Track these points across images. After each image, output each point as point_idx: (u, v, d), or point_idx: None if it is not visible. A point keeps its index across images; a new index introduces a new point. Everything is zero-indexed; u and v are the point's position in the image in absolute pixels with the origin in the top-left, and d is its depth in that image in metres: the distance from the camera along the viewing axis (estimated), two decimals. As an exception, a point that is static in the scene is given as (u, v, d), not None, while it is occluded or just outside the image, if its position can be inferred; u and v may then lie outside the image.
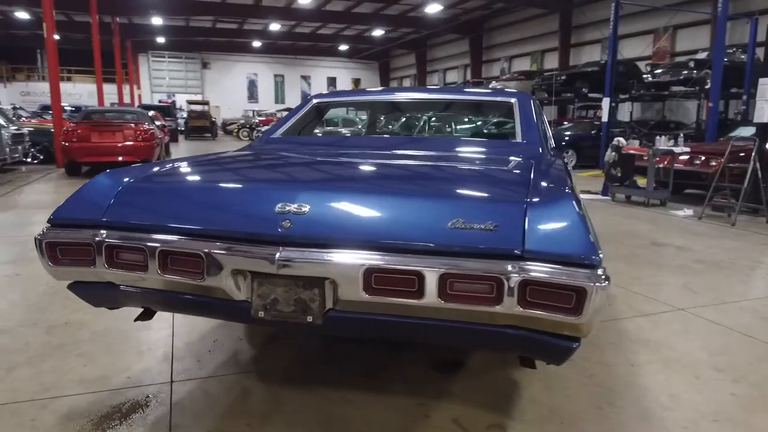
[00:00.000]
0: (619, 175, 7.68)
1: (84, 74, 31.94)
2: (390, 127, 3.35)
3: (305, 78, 36.57)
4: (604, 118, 11.73)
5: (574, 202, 1.66)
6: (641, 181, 7.65)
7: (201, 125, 24.72)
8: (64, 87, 32.06)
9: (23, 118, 15.82)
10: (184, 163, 2.32)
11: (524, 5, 21.83)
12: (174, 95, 34.18)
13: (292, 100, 35.66)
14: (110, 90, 30.22)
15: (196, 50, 33.63)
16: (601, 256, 1.56)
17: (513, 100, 3.05)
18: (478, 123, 3.60)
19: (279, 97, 36.23)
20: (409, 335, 1.75)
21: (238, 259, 1.72)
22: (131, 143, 9.74)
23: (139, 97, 32.74)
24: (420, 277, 1.59)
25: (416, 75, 32.83)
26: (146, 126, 10.19)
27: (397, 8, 24.83)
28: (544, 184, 1.87)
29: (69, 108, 20.55)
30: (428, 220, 1.67)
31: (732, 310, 3.38)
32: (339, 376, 2.42)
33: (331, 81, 37.17)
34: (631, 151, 7.52)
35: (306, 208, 1.73)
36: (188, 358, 2.58)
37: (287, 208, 1.74)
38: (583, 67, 16.48)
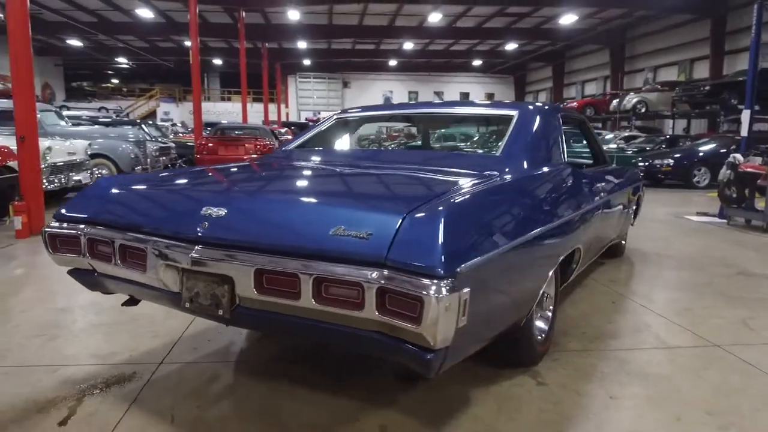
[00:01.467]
0: (734, 195, 6.83)
1: (240, 94, 35.51)
2: (383, 139, 3.47)
3: (438, 94, 37.07)
4: (743, 132, 10.42)
5: (442, 216, 1.65)
6: (761, 204, 6.74)
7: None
8: (224, 106, 35.99)
9: (180, 134, 18.16)
10: (166, 173, 2.66)
11: (670, 12, 20.10)
12: (319, 113, 36.69)
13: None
14: (261, 109, 33.31)
15: (338, 71, 35.79)
16: (460, 269, 1.56)
17: (514, 113, 2.98)
18: (469, 136, 3.52)
19: (413, 113, 37.15)
20: (295, 334, 1.87)
21: (167, 253, 1.98)
22: (253, 156, 10.79)
23: (287, 115, 35.65)
24: (298, 279, 1.71)
25: (552, 88, 31.68)
26: (266, 141, 11.23)
27: (530, 21, 24.29)
28: (442, 196, 1.88)
29: (225, 123, 23.39)
30: (313, 226, 1.79)
31: (782, 353, 2.93)
32: (306, 374, 2.58)
33: (464, 96, 37.24)
34: (750, 170, 6.65)
35: (222, 213, 1.94)
36: (188, 344, 2.91)
37: (208, 212, 1.96)
38: (734, 77, 14.76)
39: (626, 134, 16.68)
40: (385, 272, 1.58)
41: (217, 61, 33.46)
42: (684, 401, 2.38)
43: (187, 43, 28.06)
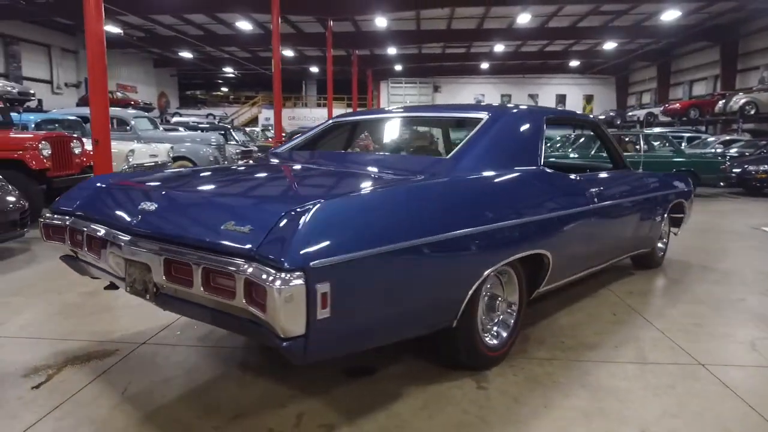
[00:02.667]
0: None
1: (337, 100, 36.77)
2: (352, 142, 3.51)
3: (533, 96, 36.01)
4: None
5: (306, 214, 1.75)
6: None
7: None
8: (321, 112, 37.46)
9: (269, 138, 19.26)
10: (148, 174, 2.95)
11: (790, 1, 18.14)
12: None
13: (518, 119, 35.45)
14: (355, 113, 34.19)
15: (429, 75, 35.93)
16: (314, 264, 1.66)
17: (483, 116, 2.97)
18: (429, 138, 3.42)
19: (505, 117, 36.43)
20: (199, 318, 2.04)
21: (112, 242, 2.25)
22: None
23: (378, 119, 36.31)
24: (191, 268, 1.89)
25: (656, 89, 29.66)
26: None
27: (628, 18, 22.97)
28: (333, 197, 1.97)
29: (303, 128, 24.44)
30: (211, 221, 1.96)
31: (774, 377, 2.66)
32: (264, 363, 2.76)
33: (560, 99, 35.88)
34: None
35: (152, 207, 2.17)
36: (176, 329, 3.20)
37: (143, 207, 2.21)
38: None
39: (727, 138, 15.28)
40: (252, 264, 1.71)
41: (314, 69, 34.89)
42: (621, 418, 2.27)
43: (285, 53, 29.61)
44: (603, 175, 3.67)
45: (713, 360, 2.84)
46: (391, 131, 3.46)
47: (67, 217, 2.60)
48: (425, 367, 2.70)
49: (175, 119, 26.96)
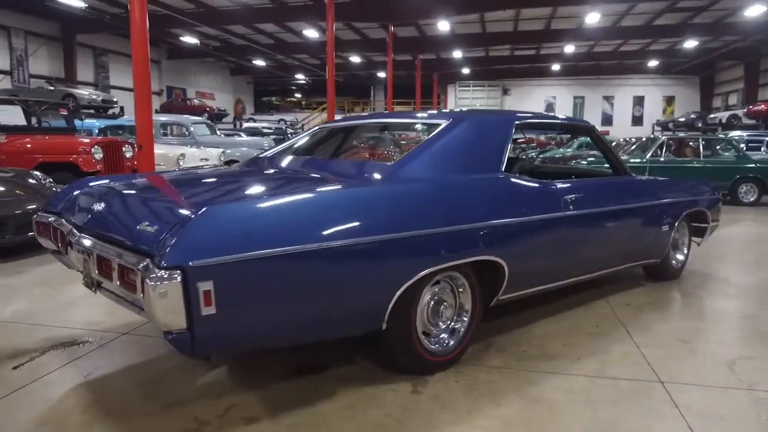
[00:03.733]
0: None
1: (404, 104, 37.02)
2: (321, 148, 3.54)
3: (608, 98, 34.54)
4: None
5: (194, 216, 1.88)
6: None
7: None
8: (388, 116, 37.86)
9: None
10: (126, 177, 3.20)
11: None
12: None
13: (591, 121, 33.84)
14: (422, 117, 34.27)
15: (498, 78, 35.36)
16: (193, 263, 1.78)
17: (442, 122, 2.98)
18: (391, 144, 3.40)
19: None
20: (129, 309, 2.20)
21: (70, 238, 2.49)
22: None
23: (446, 123, 36.20)
24: (110, 264, 2.07)
25: (743, 89, 27.59)
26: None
27: (709, 15, 21.55)
28: (237, 201, 2.08)
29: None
30: (132, 221, 2.13)
31: (734, 399, 2.49)
32: (226, 358, 2.92)
33: (638, 100, 34.17)
34: None
35: (99, 207, 2.40)
36: (160, 322, 3.44)
37: (93, 207, 2.43)
38: None
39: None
40: (144, 261, 1.86)
41: (382, 74, 35.30)
42: (543, 429, 2.22)
43: (353, 59, 30.22)
44: (588, 182, 3.56)
45: (676, 378, 2.70)
46: (360, 137, 3.53)
47: (51, 216, 2.89)
48: (372, 369, 2.76)
49: (246, 124, 28.23)
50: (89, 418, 2.27)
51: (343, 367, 2.79)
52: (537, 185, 3.15)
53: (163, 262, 1.76)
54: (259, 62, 30.50)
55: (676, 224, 4.21)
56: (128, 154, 7.65)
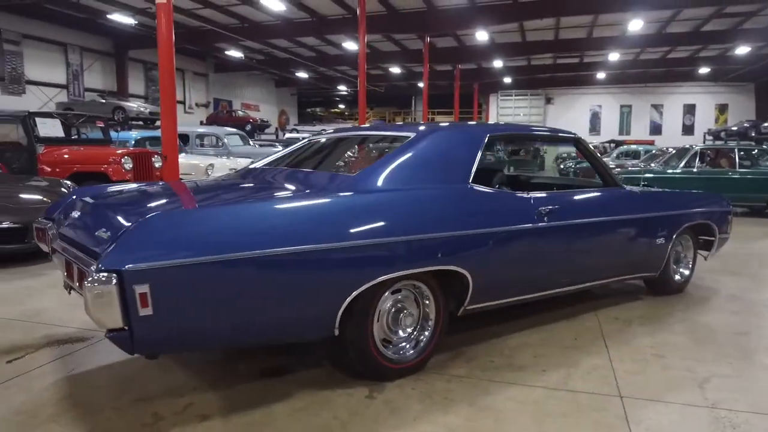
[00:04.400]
0: None
1: (445, 114, 37.00)
2: (300, 160, 3.60)
3: (656, 107, 33.44)
4: None
5: (136, 224, 2.02)
6: None
7: (522, 159, 25.73)
8: (429, 126, 37.91)
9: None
10: (117, 186, 3.40)
11: None
12: None
13: (638, 131, 33.14)
14: (463, 127, 34.19)
15: (540, 87, 34.85)
16: (129, 267, 1.92)
17: (410, 134, 3.05)
18: (361, 157, 3.40)
19: (624, 128, 34.15)
20: None
21: (53, 245, 2.70)
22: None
23: (487, 132, 35.95)
24: (72, 267, 2.25)
25: (803, 96, 26.20)
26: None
27: (761, 20, 20.65)
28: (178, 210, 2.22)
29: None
30: (95, 228, 2.31)
31: (691, 416, 2.44)
32: (201, 358, 3.07)
33: (689, 109, 32.93)
34: None
35: (78, 215, 2.59)
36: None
37: (72, 214, 2.63)
38: None
39: None
40: (91, 265, 2.02)
41: (422, 84, 35.45)
42: (480, 438, 2.25)
43: (393, 70, 30.48)
44: (568, 193, 3.54)
45: (638, 394, 2.66)
46: (336, 149, 3.62)
47: (48, 222, 3.13)
48: (333, 374, 2.84)
49: (287, 135, 28.86)
50: (59, 410, 2.45)
51: (306, 371, 2.89)
52: (507, 197, 3.17)
53: (101, 266, 1.91)
54: (302, 74, 31.19)
55: (674, 237, 4.11)
56: (158, 164, 8.02)
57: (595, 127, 34.91)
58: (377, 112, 40.42)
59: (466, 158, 3.03)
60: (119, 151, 7.65)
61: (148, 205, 2.59)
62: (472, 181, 2.99)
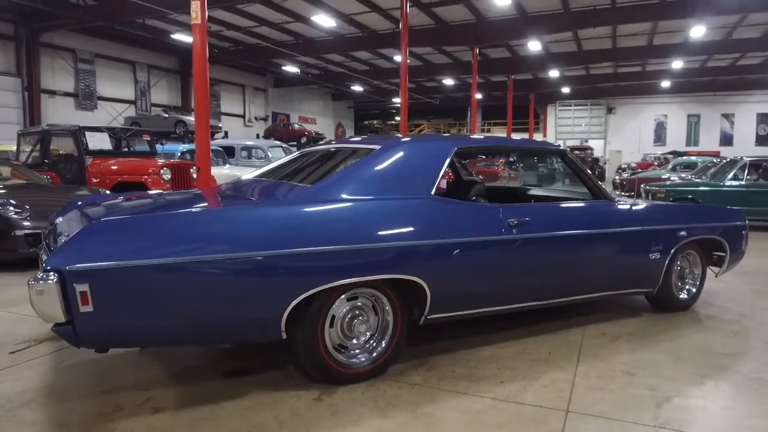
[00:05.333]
0: None
1: (501, 126, 36.58)
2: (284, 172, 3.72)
3: (727, 116, 31.64)
4: None
5: (78, 230, 2.24)
6: None
7: (580, 170, 25.02)
8: (484, 137, 37.62)
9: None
10: (112, 197, 3.68)
11: None
12: (586, 141, 35.32)
13: (708, 141, 31.45)
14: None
15: (601, 96, 33.81)
16: (70, 267, 2.14)
17: (375, 147, 3.15)
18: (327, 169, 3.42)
19: (691, 139, 32.51)
20: None
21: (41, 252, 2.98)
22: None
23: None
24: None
25: None
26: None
27: (840, 21, 19.25)
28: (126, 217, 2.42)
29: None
30: (62, 234, 2.55)
31: (632, 434, 2.38)
32: (172, 355, 3.28)
33: (763, 118, 30.93)
34: None
35: (59, 221, 2.86)
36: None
37: (58, 220, 2.90)
38: None
39: None
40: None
41: (477, 95, 35.23)
42: (405, 443, 2.30)
43: (446, 82, 30.51)
44: (542, 206, 3.51)
45: (586, 409, 2.62)
46: (314, 162, 3.74)
47: (47, 228, 3.44)
48: (293, 376, 2.96)
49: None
50: (35, 396, 2.71)
51: (268, 372, 3.02)
52: (472, 208, 3.20)
53: (46, 266, 2.13)
54: (357, 88, 31.77)
55: (673, 252, 3.95)
56: (195, 175, 8.47)
57: (660, 137, 33.48)
58: (433, 124, 40.51)
59: (428, 170, 3.09)
60: (159, 163, 8.15)
61: (109, 214, 2.82)
62: (449, 194, 3.03)
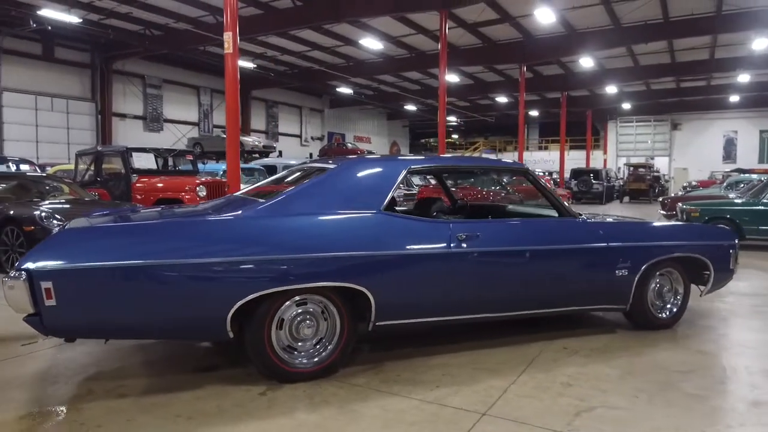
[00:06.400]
0: None
1: (557, 142, 35.94)
2: None
3: (803, 132, 29.71)
4: None
5: (49, 236, 2.66)
6: None
7: (637, 188, 24.22)
8: (541, 155, 37.02)
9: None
10: (108, 212, 4.15)
11: None
12: (652, 158, 34.13)
13: (784, 159, 29.65)
14: (578, 156, 33.12)
15: (665, 112, 32.60)
16: (35, 266, 2.56)
17: (331, 166, 3.44)
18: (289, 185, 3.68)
19: (764, 156, 30.65)
20: None
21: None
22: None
23: (604, 161, 34.35)
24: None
25: None
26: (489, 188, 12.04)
27: None
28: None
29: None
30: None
31: (534, 437, 2.52)
32: (161, 354, 3.68)
33: (844, 133, 28.80)
34: None
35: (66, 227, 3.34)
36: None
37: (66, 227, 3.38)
38: None
39: None
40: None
41: (533, 113, 34.91)
42: (319, 433, 2.56)
43: (499, 99, 30.43)
44: (495, 221, 3.67)
45: (505, 415, 2.77)
46: (285, 178, 4.07)
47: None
48: (251, 374, 3.27)
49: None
50: (27, 380, 3.17)
51: (232, 369, 3.35)
52: (420, 223, 3.42)
53: (18, 266, 2.57)
54: (410, 107, 32.27)
55: (644, 270, 3.98)
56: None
57: (729, 154, 31.81)
58: (489, 141, 40.33)
59: (378, 188, 3.35)
60: (197, 181, 8.81)
61: (84, 224, 3.24)
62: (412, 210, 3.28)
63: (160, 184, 8.72)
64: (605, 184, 23.41)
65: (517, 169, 3.96)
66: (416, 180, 13.85)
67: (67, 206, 6.67)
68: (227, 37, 8.15)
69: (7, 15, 15.24)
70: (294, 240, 3.04)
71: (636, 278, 3.98)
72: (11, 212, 6.34)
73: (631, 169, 26.08)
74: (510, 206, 4.97)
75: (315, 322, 3.19)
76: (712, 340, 4.08)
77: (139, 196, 8.61)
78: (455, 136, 48.13)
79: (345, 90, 27.42)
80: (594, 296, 3.92)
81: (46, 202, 6.76)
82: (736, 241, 4.47)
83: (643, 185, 24.29)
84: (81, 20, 16.05)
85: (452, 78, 25.57)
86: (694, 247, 4.21)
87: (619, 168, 32.81)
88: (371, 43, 19.33)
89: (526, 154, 37.25)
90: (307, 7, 16.14)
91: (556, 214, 3.94)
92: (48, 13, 14.88)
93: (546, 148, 37.20)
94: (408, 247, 3.27)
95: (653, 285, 4.17)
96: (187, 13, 16.95)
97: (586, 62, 21.75)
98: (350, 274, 3.12)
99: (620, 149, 34.66)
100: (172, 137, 22.58)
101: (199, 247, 2.85)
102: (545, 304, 3.80)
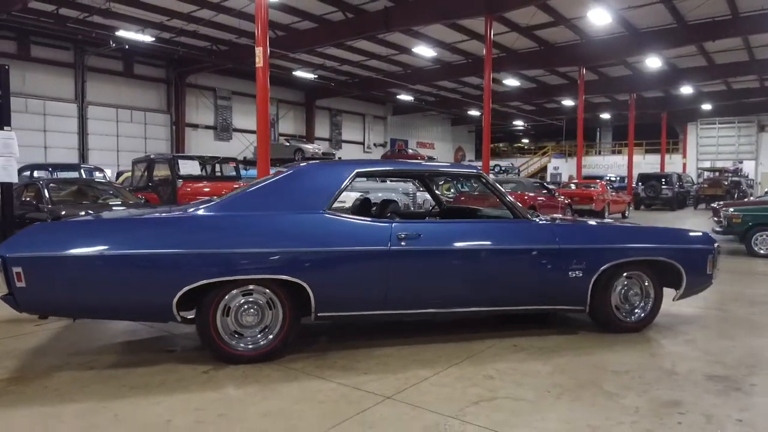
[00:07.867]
0: None
1: (635, 146, 34.39)
2: None
3: None
4: None
5: (24, 229, 3.16)
6: None
7: (712, 194, 22.77)
8: (614, 159, 35.62)
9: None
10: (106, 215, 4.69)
11: None
12: (740, 162, 31.99)
13: None
14: (654, 160, 31.66)
15: (752, 113, 30.38)
16: (9, 255, 3.07)
17: (289, 171, 3.78)
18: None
19: None
20: None
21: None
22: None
23: (684, 165, 32.54)
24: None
25: None
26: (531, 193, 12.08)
27: None
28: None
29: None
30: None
31: (424, 421, 2.70)
32: (138, 330, 4.16)
33: None
34: None
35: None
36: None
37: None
38: None
39: None
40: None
41: (605, 116, 33.67)
42: (228, 419, 2.88)
43: (566, 103, 29.65)
44: (445, 222, 3.83)
45: (407, 399, 2.95)
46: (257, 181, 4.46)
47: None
48: (204, 354, 3.63)
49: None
50: (22, 353, 3.72)
51: (190, 351, 3.76)
52: (361, 223, 3.66)
53: (-3, 254, 3.10)
54: (474, 112, 32.13)
55: (600, 272, 3.99)
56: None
57: (825, 157, 29.10)
58: (559, 146, 39.24)
59: (323, 190, 3.64)
60: (234, 186, 9.45)
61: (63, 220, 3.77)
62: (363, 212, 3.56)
63: (199, 189, 9.45)
64: (676, 189, 22.20)
65: (469, 173, 4.09)
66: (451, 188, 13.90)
67: (111, 208, 7.46)
68: (258, 51, 8.74)
69: (90, 36, 16.92)
70: (236, 236, 3.40)
71: (592, 280, 3.99)
72: (63, 212, 7.19)
73: (705, 173, 24.53)
74: (491, 210, 5.07)
75: (259, 311, 3.52)
76: (674, 344, 4.01)
77: (181, 201, 9.38)
78: (525, 141, 47.22)
79: (406, 97, 27.81)
80: (547, 296, 3.98)
81: (95, 205, 7.59)
82: (716, 246, 4.34)
83: (720, 190, 22.78)
84: (154, 39, 17.51)
85: (513, 82, 25.34)
86: (661, 251, 4.16)
87: (701, 172, 30.95)
88: (424, 51, 19.62)
89: (598, 159, 36.07)
90: (359, 18, 16.69)
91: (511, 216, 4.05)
92: (125, 33, 16.37)
93: (620, 152, 35.69)
94: (347, 244, 3.54)
95: (619, 288, 4.17)
96: (247, 29, 17.96)
97: (653, 62, 20.87)
98: (289, 269, 3.42)
99: (701, 152, 32.62)
100: (240, 146, 23.91)
101: (149, 240, 3.28)
102: (492, 303, 3.92)
